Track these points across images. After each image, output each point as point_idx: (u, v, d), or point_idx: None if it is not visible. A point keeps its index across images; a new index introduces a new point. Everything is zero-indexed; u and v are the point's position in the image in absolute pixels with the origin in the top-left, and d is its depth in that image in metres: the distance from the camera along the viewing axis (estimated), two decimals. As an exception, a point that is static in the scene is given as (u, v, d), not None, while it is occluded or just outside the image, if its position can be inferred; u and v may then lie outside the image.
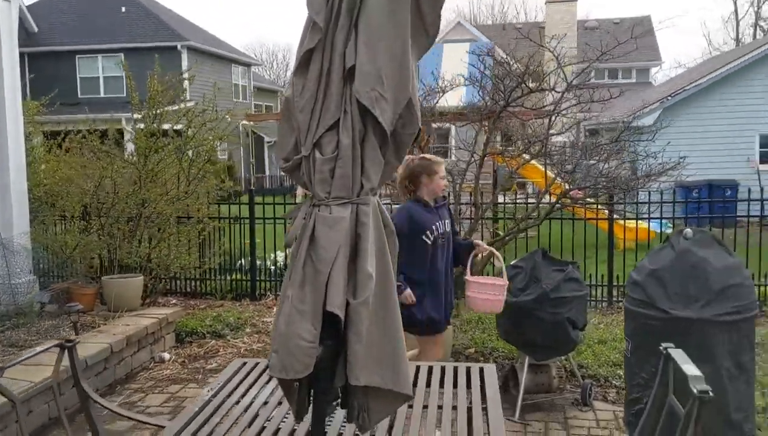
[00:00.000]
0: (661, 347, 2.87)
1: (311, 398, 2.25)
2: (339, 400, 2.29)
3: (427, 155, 4.59)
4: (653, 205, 7.68)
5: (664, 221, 8.34)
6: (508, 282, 4.56)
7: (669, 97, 16.10)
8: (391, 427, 2.65)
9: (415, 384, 3.04)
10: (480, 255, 5.20)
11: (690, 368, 2.57)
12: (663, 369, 2.83)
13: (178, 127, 7.65)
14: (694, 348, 3.51)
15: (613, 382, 5.30)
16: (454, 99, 7.60)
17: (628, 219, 8.40)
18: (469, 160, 6.55)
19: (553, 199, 6.91)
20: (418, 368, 3.23)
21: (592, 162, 6.34)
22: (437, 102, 6.55)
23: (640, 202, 8.01)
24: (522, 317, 4.82)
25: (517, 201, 7.94)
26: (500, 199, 8.12)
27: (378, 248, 2.17)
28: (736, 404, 3.55)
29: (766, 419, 4.67)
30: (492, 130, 6.39)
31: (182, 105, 7.92)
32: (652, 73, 30.38)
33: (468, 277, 4.49)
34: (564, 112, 6.48)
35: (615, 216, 8.23)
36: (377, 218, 2.18)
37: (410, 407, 2.80)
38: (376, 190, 2.19)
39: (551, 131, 6.78)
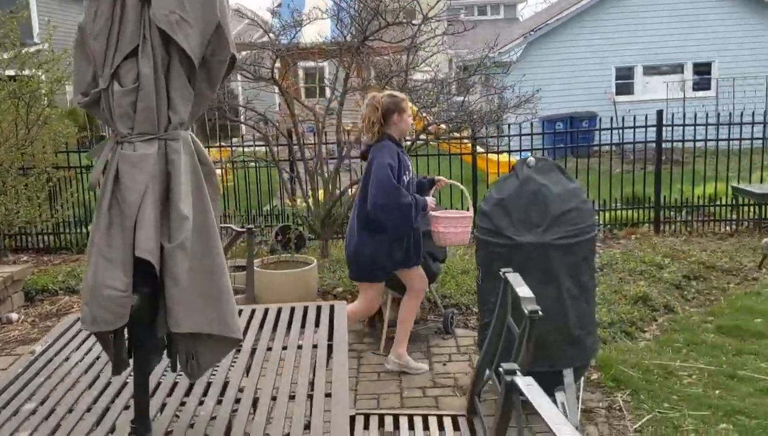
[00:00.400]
0: (501, 272, 2.93)
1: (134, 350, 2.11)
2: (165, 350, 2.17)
3: (395, 92, 4.39)
4: (517, 138, 7.90)
5: (528, 153, 8.62)
6: (473, 214, 4.57)
7: (532, 32, 16.53)
8: (230, 370, 2.56)
9: (261, 326, 2.96)
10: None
11: (523, 290, 2.64)
12: (502, 292, 2.90)
13: (10, 72, 6.97)
14: (538, 271, 3.66)
15: (474, 309, 5.47)
16: (317, 34, 7.37)
17: (493, 152, 8.60)
18: (330, 98, 6.41)
19: (422, 136, 6.94)
20: (266, 309, 3.15)
21: (449, 97, 6.38)
22: (294, 37, 6.32)
23: (502, 136, 8.22)
24: (382, 252, 4.84)
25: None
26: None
27: (195, 186, 2.03)
28: (577, 321, 3.73)
29: (611, 333, 5.00)
30: (351, 66, 6.26)
31: (31, 49, 7.21)
32: (519, 8, 31.05)
33: (434, 212, 4.43)
34: (422, 46, 6.43)
35: (480, 150, 8.42)
36: (191, 154, 2.03)
37: (254, 349, 2.72)
38: (188, 125, 2.03)
39: (416, 67, 6.74)
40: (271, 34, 6.44)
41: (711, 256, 6.75)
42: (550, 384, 3.80)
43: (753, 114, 8.07)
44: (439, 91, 6.51)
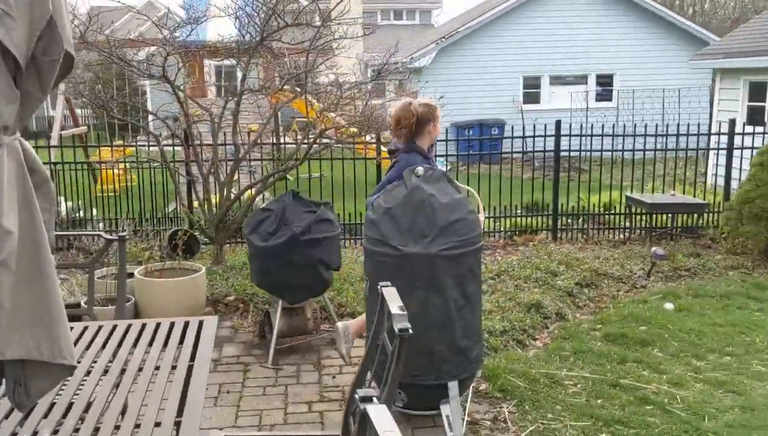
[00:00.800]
0: (378, 286, 2.84)
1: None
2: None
3: (429, 102, 4.32)
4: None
5: (440, 159, 8.63)
6: (484, 218, 4.45)
7: (443, 39, 16.71)
8: (76, 394, 2.36)
9: (120, 344, 2.76)
10: None
11: (395, 307, 2.56)
12: (379, 308, 2.81)
13: None
14: (425, 282, 3.61)
15: (369, 318, 5.39)
16: (216, 32, 7.13)
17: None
18: (227, 99, 6.20)
19: (324, 140, 6.83)
20: (129, 326, 2.94)
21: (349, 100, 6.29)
22: (189, 34, 6.07)
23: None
24: (272, 261, 4.69)
25: (286, 142, 7.76)
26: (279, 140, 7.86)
27: (21, 197, 1.83)
28: (462, 332, 3.70)
29: (503, 342, 5.02)
30: (248, 66, 6.06)
31: None
32: (434, 15, 31.41)
33: None
34: (324, 48, 6.31)
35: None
36: (18, 162, 1.82)
37: (107, 371, 2.52)
38: (14, 129, 1.82)
39: (316, 69, 6.62)
40: (164, 31, 6.17)
41: (603, 263, 6.93)
42: (437, 397, 3.76)
43: (645, 127, 8.38)
44: (341, 94, 6.40)
